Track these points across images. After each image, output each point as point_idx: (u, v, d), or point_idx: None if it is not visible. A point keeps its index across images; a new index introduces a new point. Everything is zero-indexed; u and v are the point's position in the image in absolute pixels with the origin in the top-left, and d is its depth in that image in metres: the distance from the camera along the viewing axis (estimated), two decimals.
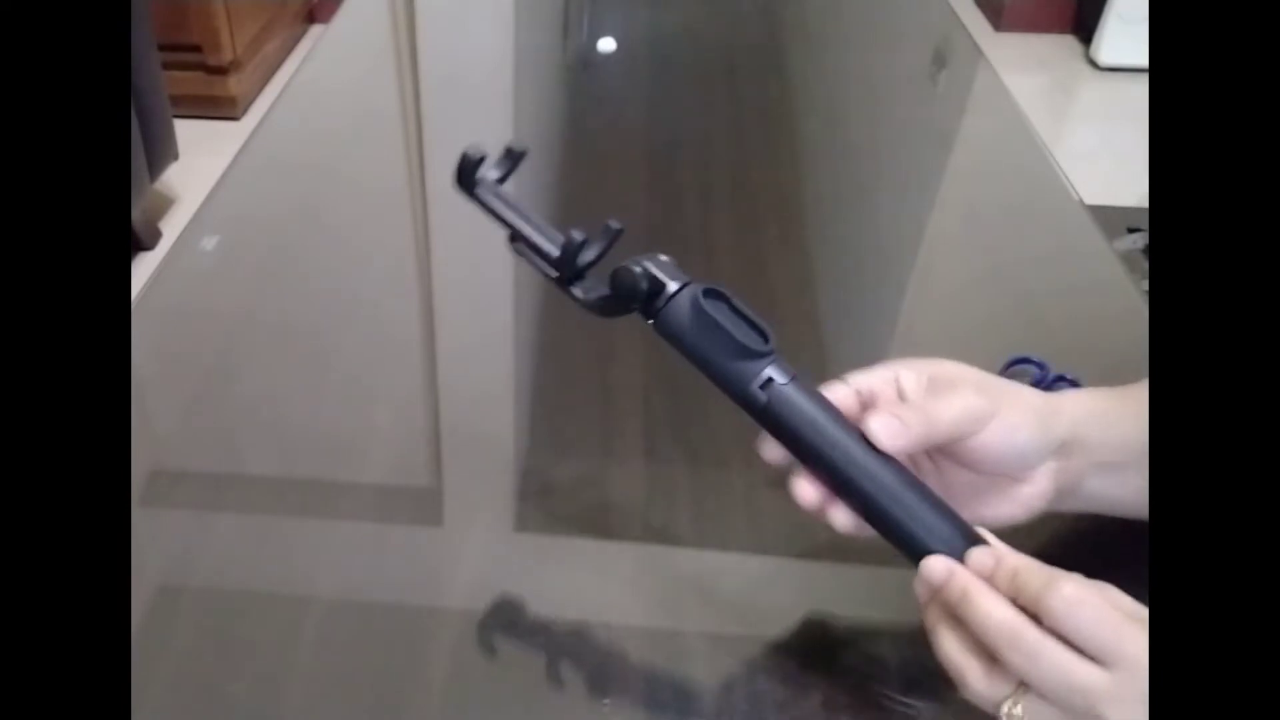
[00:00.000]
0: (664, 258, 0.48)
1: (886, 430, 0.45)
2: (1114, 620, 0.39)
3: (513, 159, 0.51)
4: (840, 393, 0.48)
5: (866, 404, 0.48)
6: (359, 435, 0.66)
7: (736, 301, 0.47)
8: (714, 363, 0.46)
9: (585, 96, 1.16)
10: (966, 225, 0.89)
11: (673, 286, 0.47)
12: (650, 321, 0.48)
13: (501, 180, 0.51)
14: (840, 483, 0.46)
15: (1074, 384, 0.66)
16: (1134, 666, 0.38)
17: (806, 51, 1.28)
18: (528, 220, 0.50)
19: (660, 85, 1.14)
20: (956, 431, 0.46)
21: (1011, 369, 0.68)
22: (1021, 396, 0.49)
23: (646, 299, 0.47)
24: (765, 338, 0.46)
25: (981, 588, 0.42)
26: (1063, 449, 0.49)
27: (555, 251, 0.49)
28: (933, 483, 0.47)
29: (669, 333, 0.47)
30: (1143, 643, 0.38)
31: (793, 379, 0.46)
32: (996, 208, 0.92)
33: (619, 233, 0.48)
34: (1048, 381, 0.66)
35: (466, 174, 0.50)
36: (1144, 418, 0.49)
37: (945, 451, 0.48)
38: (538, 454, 0.66)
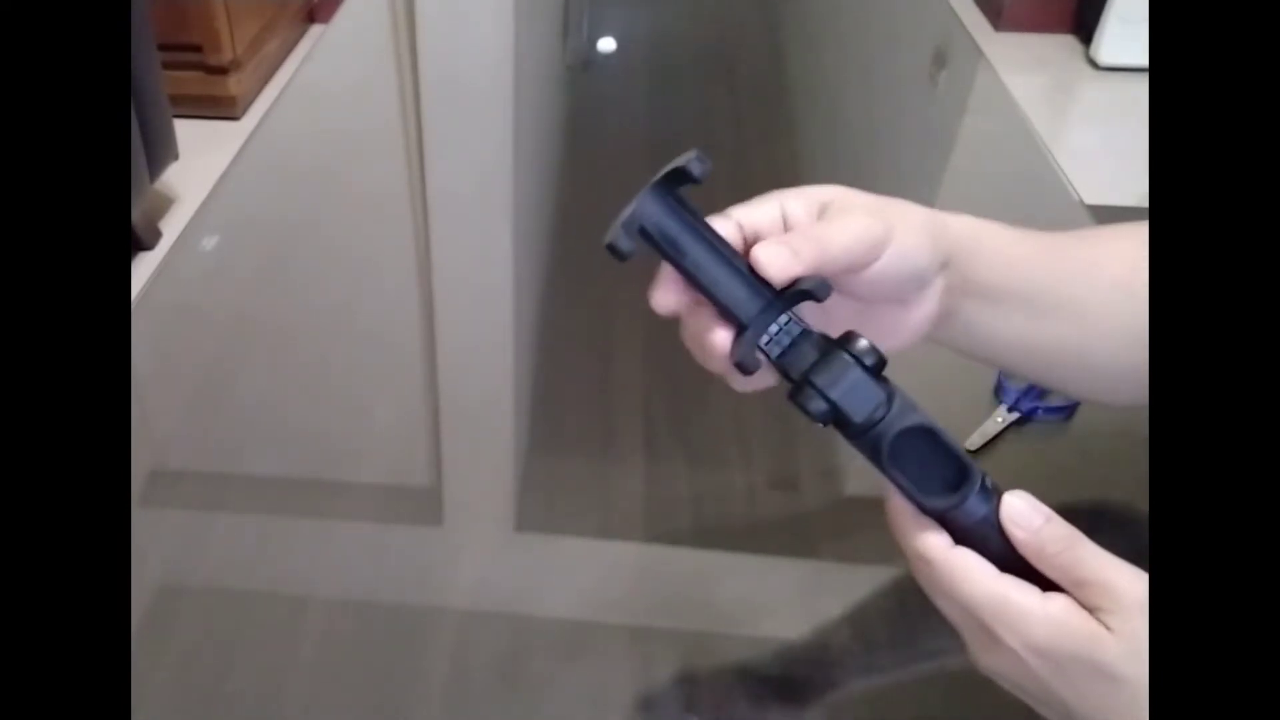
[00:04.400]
0: (861, 350, 0.41)
1: (775, 261, 0.41)
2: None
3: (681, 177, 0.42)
4: (723, 229, 0.43)
5: (751, 239, 0.44)
6: (359, 435, 0.66)
7: (943, 437, 0.40)
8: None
9: (585, 96, 1.16)
10: None
11: (862, 424, 0.40)
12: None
13: (676, 203, 0.42)
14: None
15: None
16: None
17: (806, 52, 1.28)
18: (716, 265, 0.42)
19: (660, 85, 1.14)
20: (851, 259, 0.42)
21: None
22: (913, 215, 0.45)
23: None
24: (965, 476, 0.40)
25: (964, 566, 0.40)
26: (945, 266, 0.46)
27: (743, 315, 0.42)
28: (813, 319, 0.43)
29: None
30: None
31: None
32: (997, 208, 0.91)
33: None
34: None
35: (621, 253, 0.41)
36: (1034, 257, 0.50)
37: (835, 284, 0.43)
38: (538, 454, 0.66)
